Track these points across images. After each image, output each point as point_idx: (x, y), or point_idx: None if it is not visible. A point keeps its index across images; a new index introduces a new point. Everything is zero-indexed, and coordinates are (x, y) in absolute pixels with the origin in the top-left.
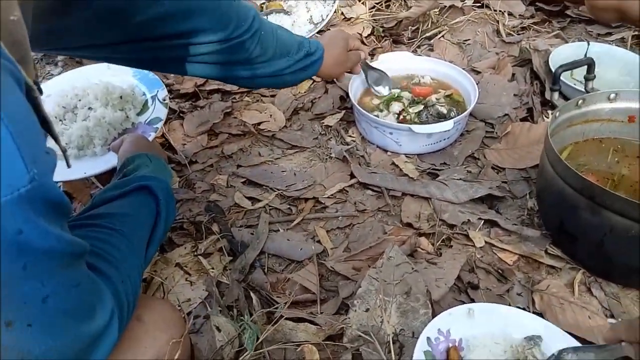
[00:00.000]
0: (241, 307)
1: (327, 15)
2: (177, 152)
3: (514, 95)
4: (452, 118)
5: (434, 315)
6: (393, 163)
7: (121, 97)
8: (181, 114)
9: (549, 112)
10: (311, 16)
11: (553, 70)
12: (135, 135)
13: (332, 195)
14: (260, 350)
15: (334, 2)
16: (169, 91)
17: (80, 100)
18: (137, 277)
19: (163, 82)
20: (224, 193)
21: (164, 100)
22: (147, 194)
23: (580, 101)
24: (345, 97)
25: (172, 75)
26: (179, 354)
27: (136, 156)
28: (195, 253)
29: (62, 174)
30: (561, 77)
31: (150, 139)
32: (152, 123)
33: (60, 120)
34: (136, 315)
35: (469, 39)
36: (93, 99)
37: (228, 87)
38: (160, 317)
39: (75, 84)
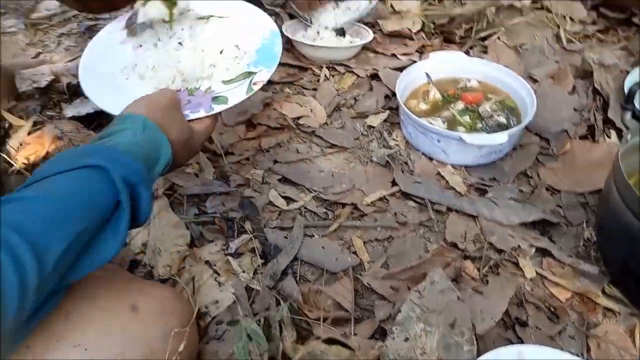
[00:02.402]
0: (270, 317)
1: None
2: (214, 141)
3: (574, 109)
4: (510, 127)
5: (478, 352)
6: (439, 173)
7: (221, 52)
8: None
9: (612, 131)
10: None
11: (626, 88)
12: (168, 95)
13: (371, 203)
14: None
15: None
16: None
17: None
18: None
19: None
20: (259, 189)
21: (254, 84)
22: (101, 177)
23: None
24: (390, 96)
25: None
26: (181, 345)
27: (132, 118)
28: (226, 252)
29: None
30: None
31: (188, 117)
32: (215, 101)
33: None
34: (130, 304)
35: (526, 43)
36: (186, 34)
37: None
38: (158, 306)
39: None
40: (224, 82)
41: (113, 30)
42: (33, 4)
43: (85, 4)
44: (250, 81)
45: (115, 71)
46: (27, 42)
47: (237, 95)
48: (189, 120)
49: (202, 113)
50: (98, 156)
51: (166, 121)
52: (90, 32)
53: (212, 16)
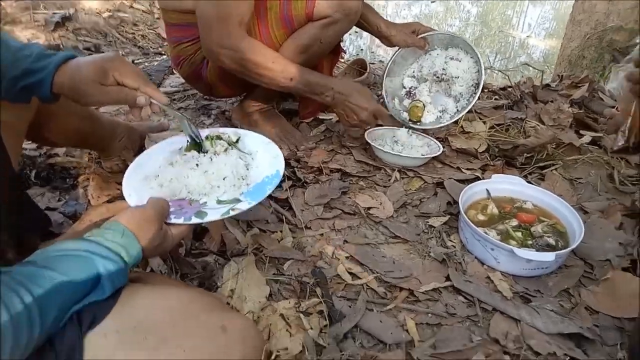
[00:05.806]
0: None
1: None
2: (297, 215)
3: (619, 243)
4: (558, 249)
5: None
6: (488, 277)
7: (224, 179)
8: (305, 184)
9: None
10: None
11: None
12: (149, 210)
13: (425, 291)
14: None
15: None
16: (297, 160)
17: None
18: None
19: (294, 154)
20: (329, 263)
21: (232, 210)
22: (89, 261)
23: None
24: (452, 203)
25: (302, 148)
26: None
27: (117, 225)
28: (298, 309)
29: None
30: None
31: (170, 220)
32: (197, 215)
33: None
34: (221, 325)
35: (581, 178)
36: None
37: (348, 168)
38: (241, 332)
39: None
40: (218, 201)
41: (173, 142)
42: (162, 79)
43: (211, 91)
44: (231, 208)
45: (150, 175)
46: (153, 111)
47: (215, 215)
48: (168, 223)
49: (180, 221)
50: (89, 247)
51: (140, 231)
52: (205, 109)
53: (238, 149)
